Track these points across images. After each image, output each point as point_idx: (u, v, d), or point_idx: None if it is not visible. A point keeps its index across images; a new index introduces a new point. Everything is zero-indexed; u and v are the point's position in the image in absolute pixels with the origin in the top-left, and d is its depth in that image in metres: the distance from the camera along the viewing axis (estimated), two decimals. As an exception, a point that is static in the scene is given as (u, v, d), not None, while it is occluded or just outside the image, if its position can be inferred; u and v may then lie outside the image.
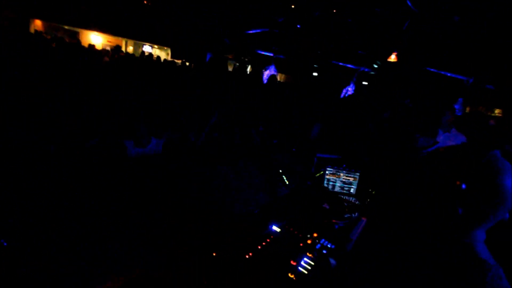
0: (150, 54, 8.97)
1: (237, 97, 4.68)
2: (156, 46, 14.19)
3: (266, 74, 9.73)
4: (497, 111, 7.60)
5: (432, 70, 6.68)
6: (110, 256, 1.37)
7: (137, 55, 8.91)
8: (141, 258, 1.35)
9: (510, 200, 0.73)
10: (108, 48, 10.30)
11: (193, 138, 3.12)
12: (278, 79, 9.19)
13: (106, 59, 7.14)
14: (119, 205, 1.71)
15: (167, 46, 12.49)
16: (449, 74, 6.68)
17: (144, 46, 13.78)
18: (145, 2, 8.45)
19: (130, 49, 13.37)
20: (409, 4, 4.60)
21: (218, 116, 3.26)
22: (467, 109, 7.85)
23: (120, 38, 12.96)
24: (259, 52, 10.69)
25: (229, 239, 1.58)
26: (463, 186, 0.77)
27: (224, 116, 3.36)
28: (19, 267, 1.11)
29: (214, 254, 1.48)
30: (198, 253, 1.47)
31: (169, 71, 5.81)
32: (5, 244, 0.98)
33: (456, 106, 6.44)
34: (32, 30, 10.46)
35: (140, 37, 12.39)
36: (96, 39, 12.35)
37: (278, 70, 9.89)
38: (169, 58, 10.43)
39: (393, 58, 6.35)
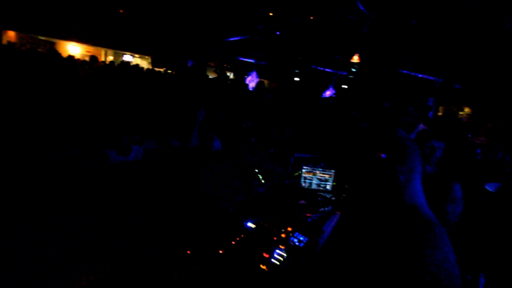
0: (127, 63, 8.84)
1: (220, 102, 4.73)
2: (137, 55, 14.09)
3: (249, 80, 9.87)
4: (466, 109, 8.08)
5: (404, 72, 7.07)
6: (82, 253, 1.37)
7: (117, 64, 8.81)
8: (113, 256, 1.36)
9: (416, 156, 0.86)
10: (86, 58, 10.13)
11: (176, 143, 3.13)
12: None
13: (81, 70, 7.02)
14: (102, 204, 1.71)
15: (148, 54, 12.44)
16: (420, 75, 7.08)
17: (125, 55, 13.65)
18: (121, 11, 8.40)
19: (110, 58, 13.20)
20: (362, 8, 4.92)
21: (203, 118, 3.31)
22: (440, 108, 8.29)
23: (99, 48, 12.78)
24: (241, 59, 10.84)
25: (204, 236, 1.61)
26: (383, 155, 0.89)
27: (208, 119, 3.40)
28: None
29: (188, 252, 1.50)
30: (172, 251, 1.49)
31: (148, 79, 5.80)
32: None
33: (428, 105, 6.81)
34: (5, 41, 10.15)
35: (120, 46, 12.25)
36: (74, 49, 12.12)
37: (260, 76, 10.05)
38: (150, 67, 10.38)
39: (356, 59, 6.73)
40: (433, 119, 4.47)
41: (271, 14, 8.74)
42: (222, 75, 7.79)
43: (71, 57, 8.47)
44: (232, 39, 9.91)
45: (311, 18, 8.65)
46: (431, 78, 7.04)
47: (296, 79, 11.19)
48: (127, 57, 13.59)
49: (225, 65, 11.66)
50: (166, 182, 2.13)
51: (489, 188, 2.30)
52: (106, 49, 13.09)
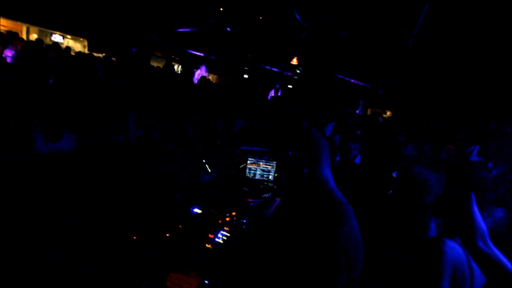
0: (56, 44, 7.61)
1: (162, 95, 4.62)
2: (69, 36, 12.43)
3: (197, 74, 9.71)
4: (388, 112, 9.50)
5: (340, 76, 7.96)
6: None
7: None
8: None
9: (322, 148, 1.09)
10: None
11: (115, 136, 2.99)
12: (210, 79, 9.29)
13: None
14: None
15: (84, 37, 11.09)
16: (352, 81, 8.07)
17: (53, 35, 11.89)
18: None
19: (34, 37, 11.37)
20: (298, 18, 5.53)
21: (135, 114, 3.22)
22: (368, 111, 9.52)
23: (19, 23, 10.86)
24: (190, 51, 10.58)
25: (151, 222, 1.67)
26: (290, 153, 1.09)
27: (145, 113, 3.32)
28: None
29: (134, 238, 1.55)
30: (119, 239, 1.51)
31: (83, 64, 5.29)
32: None
33: (358, 108, 7.82)
34: None
35: (48, 24, 10.50)
36: (-16, 21, 10.07)
37: (209, 71, 9.98)
38: (85, 50, 9.34)
39: (294, 61, 7.47)
40: (361, 121, 5.17)
41: (221, 9, 8.76)
42: (168, 67, 7.51)
43: (-19, 31, 7.14)
44: (181, 30, 9.60)
45: (260, 18, 8.97)
46: (361, 84, 8.09)
47: (245, 76, 11.44)
48: (57, 37, 11.88)
49: (173, 56, 11.22)
50: (108, 171, 2.07)
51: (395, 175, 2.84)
52: (28, 25, 11.19)
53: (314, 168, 1.07)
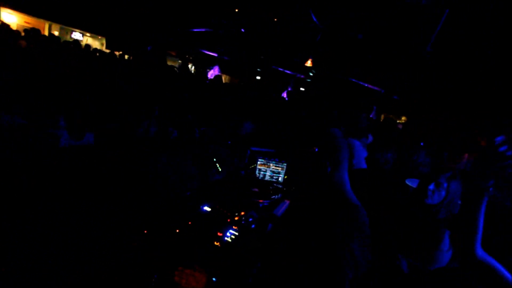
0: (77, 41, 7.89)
1: (179, 93, 4.69)
2: (88, 34, 12.83)
3: (210, 74, 9.80)
4: (403, 118, 9.30)
5: (353, 80, 7.87)
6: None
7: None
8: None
9: (343, 150, 1.08)
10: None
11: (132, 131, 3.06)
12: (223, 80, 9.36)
13: (23, 43, 6.24)
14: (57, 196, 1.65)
15: (102, 35, 11.42)
16: (366, 85, 7.97)
17: (74, 32, 12.31)
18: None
19: (55, 34, 11.78)
20: (315, 20, 5.50)
21: (159, 111, 3.28)
22: (382, 116, 9.34)
23: (42, 21, 11.29)
24: (203, 51, 10.69)
25: (162, 218, 1.69)
26: (316, 149, 1.09)
27: (164, 111, 3.38)
28: None
29: (145, 232, 1.57)
30: (131, 232, 1.54)
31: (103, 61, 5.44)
32: None
33: (371, 114, 7.70)
34: None
35: (69, 22, 10.90)
36: (9, 18, 10.53)
37: (222, 71, 10.06)
38: (103, 48, 9.61)
39: (309, 63, 7.42)
40: (376, 126, 5.08)
41: (236, 10, 8.83)
42: (184, 67, 7.64)
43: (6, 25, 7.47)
44: (195, 30, 9.73)
45: (275, 19, 8.98)
46: (376, 88, 7.97)
47: (258, 77, 11.46)
48: (77, 35, 12.28)
49: (187, 56, 11.37)
50: (123, 168, 2.12)
51: (409, 183, 2.77)
52: (50, 22, 11.62)
53: (333, 170, 1.07)
